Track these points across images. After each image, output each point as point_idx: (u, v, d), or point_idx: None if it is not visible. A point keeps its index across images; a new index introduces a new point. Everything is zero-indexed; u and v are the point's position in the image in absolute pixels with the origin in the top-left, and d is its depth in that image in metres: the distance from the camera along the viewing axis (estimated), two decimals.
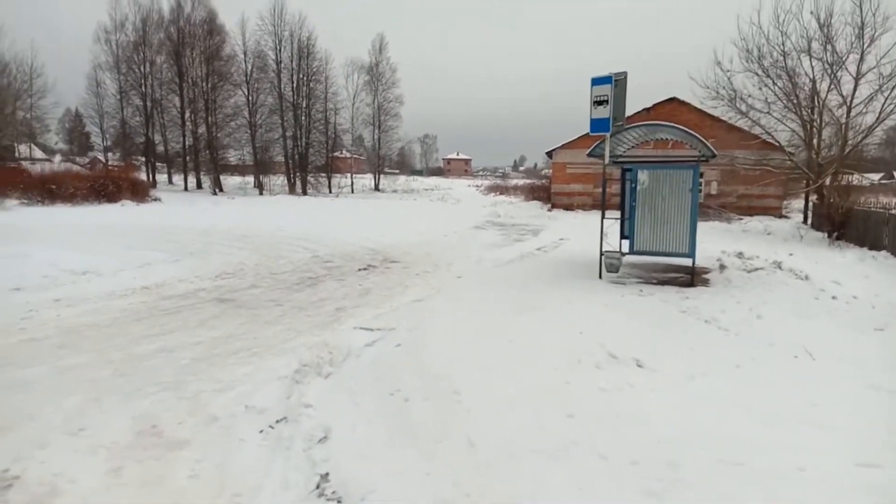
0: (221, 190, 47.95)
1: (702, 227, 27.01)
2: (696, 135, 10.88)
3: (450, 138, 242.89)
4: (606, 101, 10.35)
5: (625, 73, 10.39)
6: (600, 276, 11.44)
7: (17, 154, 49.99)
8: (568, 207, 36.47)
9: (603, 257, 11.36)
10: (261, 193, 47.60)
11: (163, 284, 11.05)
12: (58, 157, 62.04)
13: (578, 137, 36.91)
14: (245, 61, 49.94)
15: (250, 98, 49.70)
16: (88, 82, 50.62)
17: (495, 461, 4.15)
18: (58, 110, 56.78)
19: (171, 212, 27.83)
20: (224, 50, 49.96)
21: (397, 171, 78.26)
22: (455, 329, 7.63)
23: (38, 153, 59.24)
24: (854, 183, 23.85)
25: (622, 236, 14.33)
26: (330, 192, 53.37)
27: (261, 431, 4.80)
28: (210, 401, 5.44)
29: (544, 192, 46.22)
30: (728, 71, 24.81)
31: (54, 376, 5.97)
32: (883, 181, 24.73)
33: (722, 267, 13.14)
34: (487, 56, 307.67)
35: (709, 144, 10.76)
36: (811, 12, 22.42)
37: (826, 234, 22.29)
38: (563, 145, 37.30)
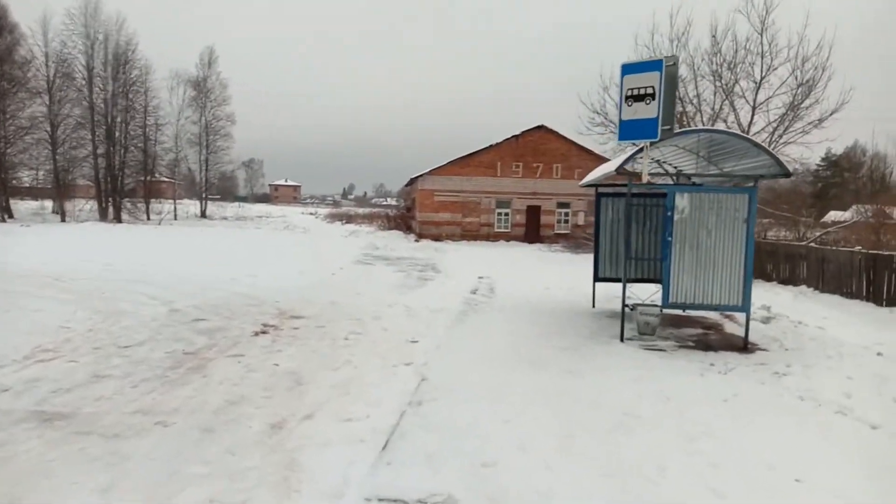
0: (11, 216, 39.06)
1: (580, 258, 25.68)
2: (767, 148, 8.14)
3: (276, 164, 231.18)
4: (651, 96, 7.28)
5: (675, 58, 7.40)
6: (622, 339, 8.31)
7: None
8: (436, 238, 33.57)
9: (636, 313, 8.24)
10: (63, 220, 39.45)
11: None
12: None
13: (448, 163, 34.48)
14: (47, 65, 41.40)
15: (52, 108, 41.29)
16: None
17: None
18: None
19: None
20: (18, 51, 41.14)
21: (218, 197, 70.91)
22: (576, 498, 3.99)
23: None
24: None
25: (596, 278, 11.44)
26: (148, 218, 46.04)
27: None
28: None
29: (402, 221, 43.14)
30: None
31: None
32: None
33: (727, 317, 10.63)
34: (323, 82, 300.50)
35: (782, 161, 8.01)
36: (712, 35, 21.58)
37: None
38: (431, 171, 34.51)
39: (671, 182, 11.08)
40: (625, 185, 10.16)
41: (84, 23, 42.09)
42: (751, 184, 8.62)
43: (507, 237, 34.46)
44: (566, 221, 35.43)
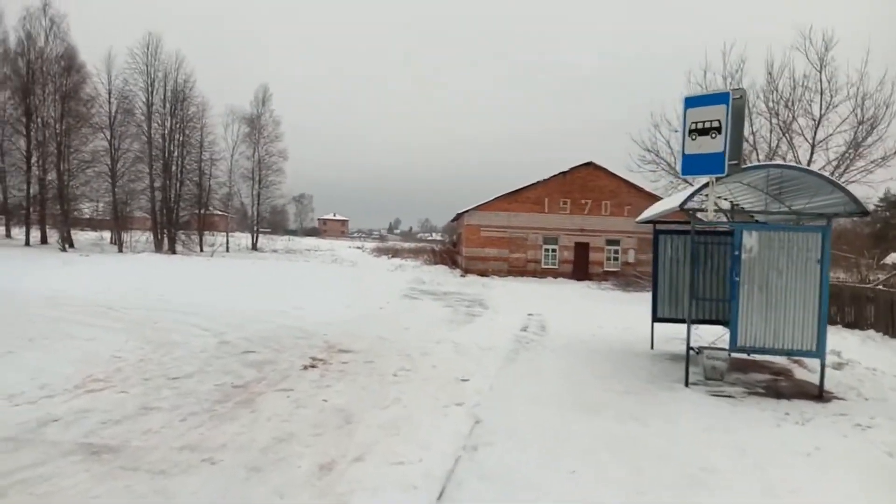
0: (72, 246, 40.34)
1: (632, 296, 25.08)
2: (842, 185, 7.73)
3: (325, 199, 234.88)
4: (717, 129, 6.98)
5: (743, 91, 7.11)
6: (686, 384, 7.88)
7: None
8: (483, 273, 33.32)
9: (701, 357, 7.82)
10: (120, 251, 40.57)
11: None
12: None
13: (494, 199, 34.40)
14: (109, 102, 43.11)
15: (113, 143, 42.85)
16: None
17: None
18: None
19: (3, 272, 21.25)
20: (84, 89, 42.97)
21: (269, 230, 72.45)
22: None
23: None
24: None
25: (654, 318, 11.00)
26: (201, 250, 47.03)
27: None
28: None
29: (447, 256, 43.08)
30: (676, 130, 23.26)
31: None
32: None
33: (796, 362, 10.06)
34: (371, 120, 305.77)
35: (858, 199, 7.55)
36: (768, 72, 21.10)
37: None
38: (477, 206, 34.47)
39: (726, 219, 10.64)
40: (683, 223, 9.77)
41: (145, 61, 43.86)
42: (823, 222, 8.16)
43: (555, 274, 33.97)
44: (615, 259, 34.75)
